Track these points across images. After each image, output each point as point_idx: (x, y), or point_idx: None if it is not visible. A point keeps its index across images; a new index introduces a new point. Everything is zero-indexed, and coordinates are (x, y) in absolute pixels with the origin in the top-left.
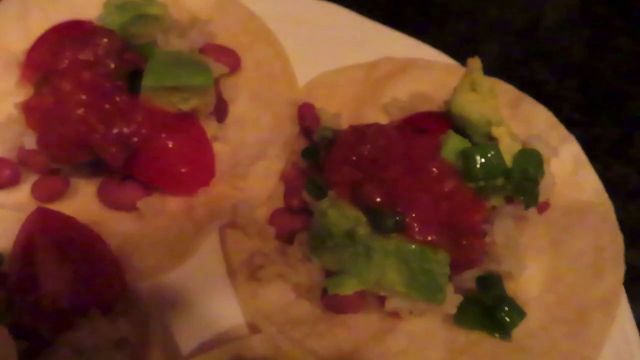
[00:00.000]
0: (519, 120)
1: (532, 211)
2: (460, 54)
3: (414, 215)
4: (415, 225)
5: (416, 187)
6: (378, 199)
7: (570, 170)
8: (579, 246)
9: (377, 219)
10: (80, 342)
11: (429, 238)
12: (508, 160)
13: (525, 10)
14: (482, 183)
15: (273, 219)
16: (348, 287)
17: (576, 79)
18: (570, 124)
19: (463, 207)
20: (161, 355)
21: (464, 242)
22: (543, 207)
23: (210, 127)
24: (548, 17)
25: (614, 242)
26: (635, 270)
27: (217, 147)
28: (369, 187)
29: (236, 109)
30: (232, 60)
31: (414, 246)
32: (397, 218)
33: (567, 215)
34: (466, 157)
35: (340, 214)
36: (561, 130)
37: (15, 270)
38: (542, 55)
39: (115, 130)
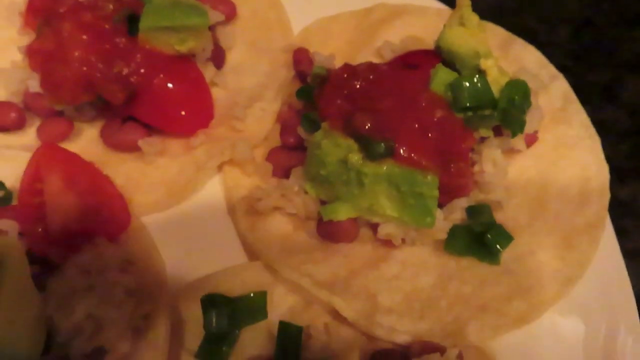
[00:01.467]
0: (509, 60)
1: (521, 144)
2: (452, 1)
3: (403, 141)
4: (405, 150)
5: (406, 116)
6: (369, 126)
7: (559, 106)
8: (566, 175)
9: (368, 145)
10: (87, 264)
11: (419, 162)
12: (496, 92)
13: None
14: (470, 113)
15: (270, 156)
16: (342, 213)
17: (569, 27)
18: (562, 71)
19: (451, 135)
20: (163, 280)
21: (452, 168)
22: (531, 140)
23: (208, 73)
24: None
25: (600, 172)
26: (623, 205)
27: (215, 93)
28: (360, 115)
29: (233, 57)
30: (228, 8)
31: (404, 170)
32: (388, 143)
33: (555, 149)
34: (454, 87)
35: (333, 144)
36: (551, 69)
37: (25, 201)
38: (535, 5)
39: (115, 70)
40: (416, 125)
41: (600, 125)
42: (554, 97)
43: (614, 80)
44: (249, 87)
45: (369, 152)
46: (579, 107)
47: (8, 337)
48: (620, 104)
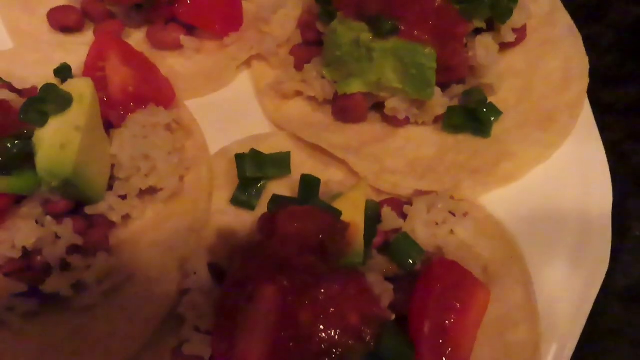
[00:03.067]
0: None
1: (510, 36)
2: None
3: (407, 21)
4: (409, 28)
5: (410, 2)
6: (378, 9)
7: (546, 11)
8: (551, 66)
9: (377, 25)
10: (143, 120)
11: (420, 37)
12: None
13: None
14: (465, 5)
15: (292, 50)
16: (354, 87)
17: None
18: None
19: (449, 20)
20: (199, 138)
21: (449, 47)
22: (521, 36)
23: None
24: None
25: (580, 62)
26: (606, 105)
27: (245, 5)
28: (370, 1)
29: None
30: None
31: (407, 44)
32: (394, 22)
33: (542, 45)
34: None
35: (347, 28)
36: None
37: (90, 74)
38: None
39: None
40: (418, 10)
41: (587, 40)
42: (542, 4)
43: (601, 2)
44: (273, 0)
45: (378, 31)
46: (564, 13)
47: (86, 161)
48: (607, 23)
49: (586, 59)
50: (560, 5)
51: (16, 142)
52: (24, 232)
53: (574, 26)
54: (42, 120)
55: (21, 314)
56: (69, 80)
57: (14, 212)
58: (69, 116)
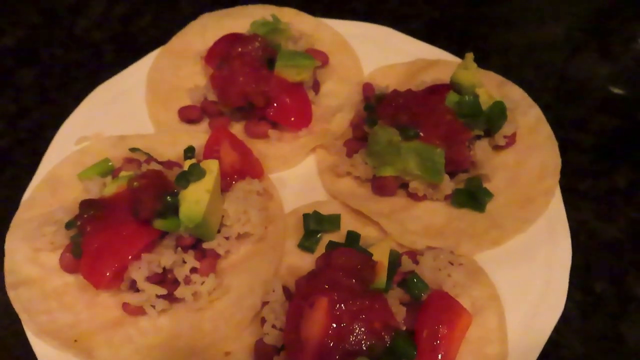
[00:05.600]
0: (501, 95)
1: (501, 141)
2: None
3: (426, 130)
4: (427, 134)
5: (428, 117)
6: (406, 121)
7: (532, 123)
8: (533, 163)
9: (405, 132)
10: (243, 187)
11: (434, 142)
12: (485, 108)
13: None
14: (468, 119)
15: (345, 143)
16: (387, 172)
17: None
18: (546, 107)
19: (455, 130)
20: (278, 201)
21: (454, 149)
22: (510, 141)
23: (310, 95)
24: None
25: (555, 162)
26: (581, 194)
27: (314, 108)
28: (402, 115)
29: (325, 87)
30: (323, 58)
31: (425, 146)
32: (416, 131)
33: (527, 148)
34: (458, 103)
35: (384, 132)
36: (529, 100)
37: (209, 157)
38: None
39: (260, 88)
40: (434, 122)
41: (571, 142)
42: (530, 117)
43: (586, 115)
44: (334, 105)
45: (405, 135)
46: (545, 124)
47: (209, 213)
48: (588, 131)
49: (559, 160)
50: (544, 118)
51: (170, 198)
52: (165, 256)
53: (552, 135)
54: (186, 185)
55: (159, 310)
56: (204, 161)
57: (159, 243)
58: (202, 183)
